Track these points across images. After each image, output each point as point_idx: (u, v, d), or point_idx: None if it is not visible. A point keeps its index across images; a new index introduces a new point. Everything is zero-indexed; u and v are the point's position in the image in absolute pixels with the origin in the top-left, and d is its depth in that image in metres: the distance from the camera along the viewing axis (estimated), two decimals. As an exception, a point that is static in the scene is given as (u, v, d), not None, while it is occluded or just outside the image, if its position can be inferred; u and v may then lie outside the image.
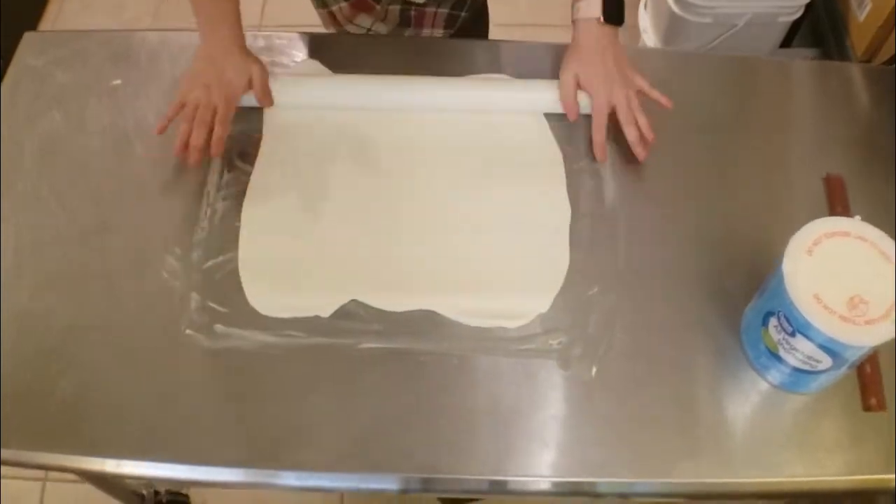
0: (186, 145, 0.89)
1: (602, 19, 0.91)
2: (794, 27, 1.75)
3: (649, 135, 0.91)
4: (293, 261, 0.86)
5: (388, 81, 0.97)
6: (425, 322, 0.82)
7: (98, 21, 2.26)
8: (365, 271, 0.86)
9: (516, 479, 0.75)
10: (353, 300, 0.83)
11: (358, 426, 0.76)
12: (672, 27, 1.77)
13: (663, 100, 0.93)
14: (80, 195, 0.90)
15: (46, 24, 2.27)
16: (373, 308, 0.83)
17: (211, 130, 0.89)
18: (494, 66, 1.03)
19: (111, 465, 0.75)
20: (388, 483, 0.76)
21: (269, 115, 0.97)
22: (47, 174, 0.92)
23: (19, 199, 0.90)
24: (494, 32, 1.31)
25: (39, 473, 1.57)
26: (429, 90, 0.97)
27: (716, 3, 1.67)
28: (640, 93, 0.93)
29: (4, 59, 1.03)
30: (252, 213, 0.89)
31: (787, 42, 1.82)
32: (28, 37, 1.04)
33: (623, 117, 0.92)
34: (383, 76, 0.97)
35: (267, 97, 0.94)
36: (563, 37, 0.97)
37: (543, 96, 0.96)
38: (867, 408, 0.78)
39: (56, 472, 1.47)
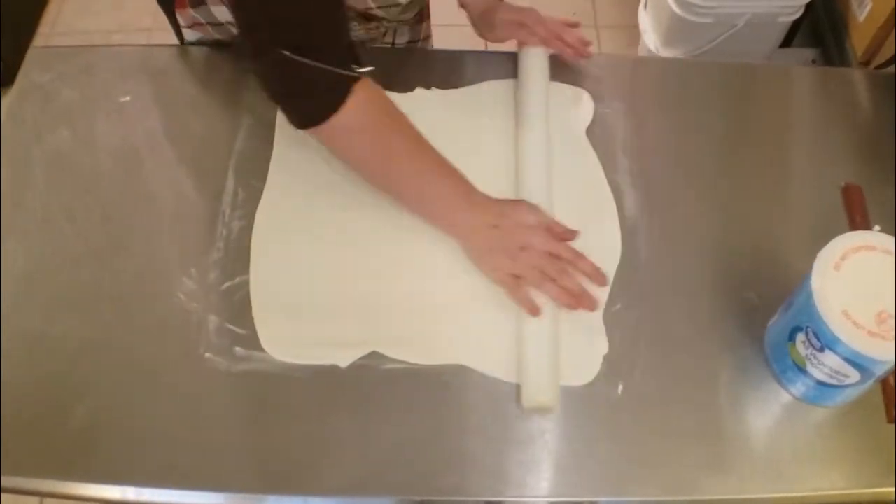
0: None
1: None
2: (794, 27, 1.75)
3: (599, 277, 0.81)
4: (309, 307, 0.82)
5: None
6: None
7: (98, 22, 2.25)
8: (388, 320, 0.82)
9: (513, 500, 0.74)
10: (373, 351, 0.80)
11: (376, 449, 0.75)
12: (672, 27, 1.76)
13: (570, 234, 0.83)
14: (91, 214, 0.89)
15: (46, 24, 2.26)
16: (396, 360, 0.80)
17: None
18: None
19: (131, 494, 0.73)
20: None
21: (276, 153, 0.93)
22: (56, 193, 0.90)
23: (29, 219, 0.88)
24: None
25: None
26: None
27: (716, 3, 1.67)
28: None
29: (4, 59, 1.01)
30: (262, 253, 0.85)
31: (787, 42, 1.82)
32: (33, 52, 1.02)
33: (554, 274, 0.80)
34: None
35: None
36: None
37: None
38: (891, 420, 0.78)
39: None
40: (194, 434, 0.76)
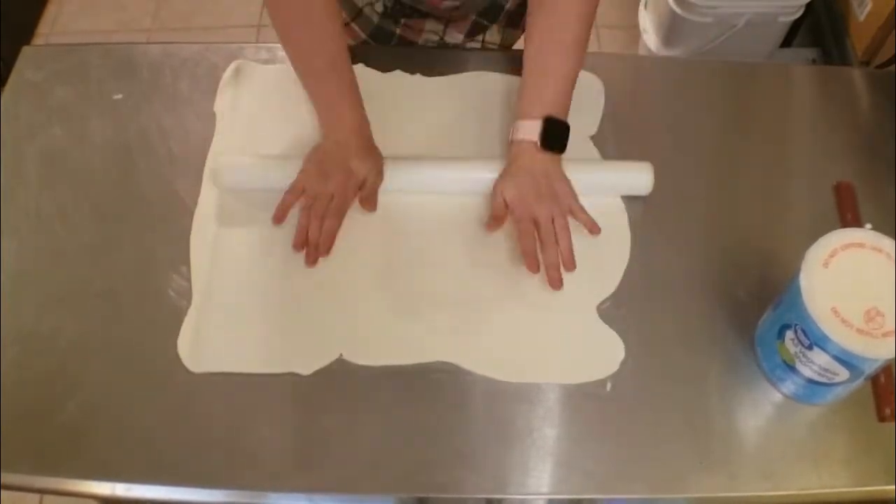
0: (306, 240, 0.84)
1: (539, 144, 0.85)
2: (794, 27, 1.75)
3: (569, 261, 0.82)
4: (261, 305, 0.82)
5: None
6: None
7: (97, 22, 2.26)
8: (356, 323, 0.81)
9: (513, 498, 0.74)
10: (340, 358, 0.79)
11: (372, 446, 0.75)
12: (672, 27, 1.76)
13: (591, 225, 0.85)
14: (83, 212, 0.89)
15: (45, 25, 2.27)
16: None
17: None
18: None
19: (120, 490, 0.73)
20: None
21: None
22: (49, 191, 0.91)
23: (21, 217, 0.88)
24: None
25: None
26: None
27: (716, 3, 1.67)
28: (571, 215, 0.85)
29: (4, 60, 1.01)
30: (209, 238, 0.86)
31: (787, 42, 1.82)
32: (27, 51, 1.03)
33: (543, 236, 0.83)
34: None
35: (371, 202, 0.87)
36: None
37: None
38: (882, 418, 0.77)
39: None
40: (185, 431, 0.76)
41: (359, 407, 0.77)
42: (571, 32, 0.86)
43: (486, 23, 1.09)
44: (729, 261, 0.87)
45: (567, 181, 0.85)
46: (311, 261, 0.83)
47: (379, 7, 1.05)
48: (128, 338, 0.81)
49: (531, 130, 0.85)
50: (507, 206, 0.84)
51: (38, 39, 2.22)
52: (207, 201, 0.89)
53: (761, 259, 0.87)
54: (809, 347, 0.71)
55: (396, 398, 0.78)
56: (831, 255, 0.71)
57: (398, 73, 1.00)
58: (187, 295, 0.83)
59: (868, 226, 0.84)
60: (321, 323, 0.81)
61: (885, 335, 0.68)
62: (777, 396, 0.79)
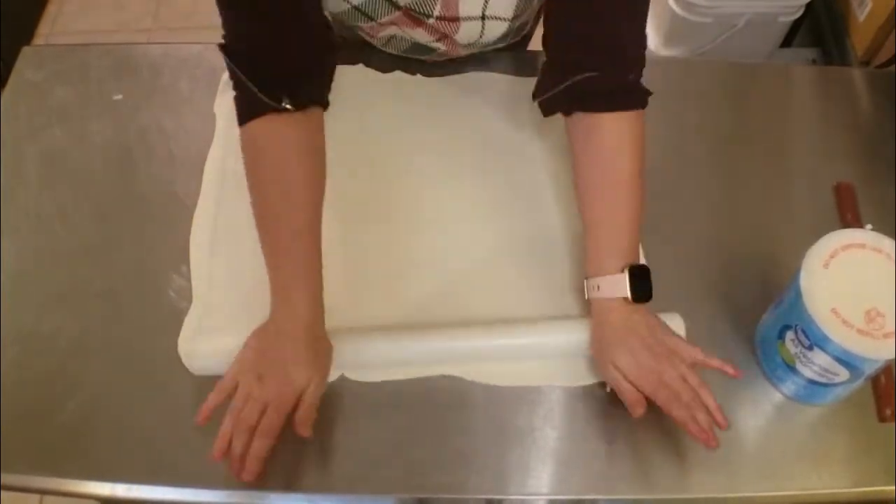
0: (228, 448, 0.70)
1: (631, 298, 0.76)
2: (794, 27, 1.75)
3: (721, 417, 0.72)
4: (261, 306, 0.76)
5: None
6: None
7: (97, 22, 2.26)
8: (356, 344, 0.79)
9: (513, 499, 0.74)
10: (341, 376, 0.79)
11: (372, 448, 0.75)
12: (672, 27, 1.76)
13: (728, 368, 0.74)
14: (83, 212, 0.89)
15: (45, 25, 2.28)
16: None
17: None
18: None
19: (121, 490, 0.73)
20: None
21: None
22: (49, 191, 0.91)
23: (21, 217, 0.89)
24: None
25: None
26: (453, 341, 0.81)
27: (716, 3, 1.67)
28: (696, 364, 0.75)
29: (4, 60, 1.01)
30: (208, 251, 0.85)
31: (787, 42, 1.81)
32: (26, 51, 1.03)
33: (686, 401, 0.72)
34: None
35: (306, 424, 0.72)
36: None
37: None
38: (882, 419, 0.77)
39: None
40: (185, 432, 0.75)
41: (359, 407, 0.77)
42: (628, 167, 0.80)
43: None
44: (729, 261, 0.87)
45: (670, 329, 0.77)
46: (235, 474, 0.70)
47: None
48: (128, 338, 0.81)
49: (618, 287, 0.76)
50: (626, 378, 0.75)
51: (38, 39, 2.22)
52: (207, 202, 0.88)
53: (761, 259, 0.87)
54: (810, 348, 0.71)
55: (397, 399, 0.78)
56: (831, 256, 0.72)
57: (398, 73, 1.00)
58: (187, 295, 0.82)
59: (868, 226, 0.84)
60: None
61: (885, 336, 0.68)
62: (777, 397, 0.79)
